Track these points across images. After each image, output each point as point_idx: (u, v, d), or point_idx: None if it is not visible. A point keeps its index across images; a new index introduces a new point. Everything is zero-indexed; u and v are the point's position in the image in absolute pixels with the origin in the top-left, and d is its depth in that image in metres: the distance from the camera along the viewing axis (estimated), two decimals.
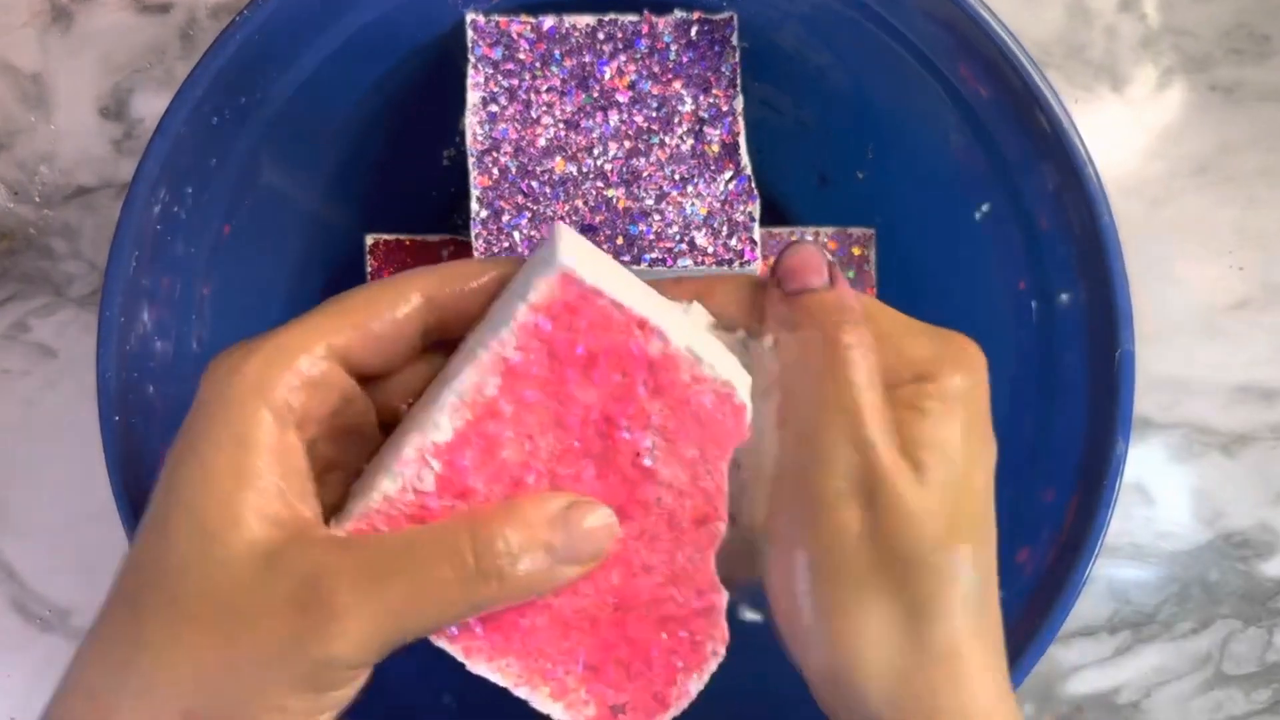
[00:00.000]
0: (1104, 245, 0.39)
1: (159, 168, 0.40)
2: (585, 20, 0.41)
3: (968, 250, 0.44)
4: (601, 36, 0.41)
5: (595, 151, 0.41)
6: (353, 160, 0.45)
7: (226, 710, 0.24)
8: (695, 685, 0.28)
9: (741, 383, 0.26)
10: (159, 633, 0.24)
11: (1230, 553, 0.50)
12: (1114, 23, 0.50)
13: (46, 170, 0.48)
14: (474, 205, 0.40)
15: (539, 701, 0.27)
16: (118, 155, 0.48)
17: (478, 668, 0.27)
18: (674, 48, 0.41)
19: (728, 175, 0.41)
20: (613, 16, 0.41)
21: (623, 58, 0.41)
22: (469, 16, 0.41)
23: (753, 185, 0.41)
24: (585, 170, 0.41)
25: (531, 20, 0.41)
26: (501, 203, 0.40)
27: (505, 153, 0.41)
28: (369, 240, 0.45)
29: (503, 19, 0.41)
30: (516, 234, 0.40)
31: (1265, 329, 0.50)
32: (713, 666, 0.28)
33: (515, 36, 0.41)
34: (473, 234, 0.40)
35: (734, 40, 0.41)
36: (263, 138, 0.42)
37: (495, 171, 0.40)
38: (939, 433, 0.26)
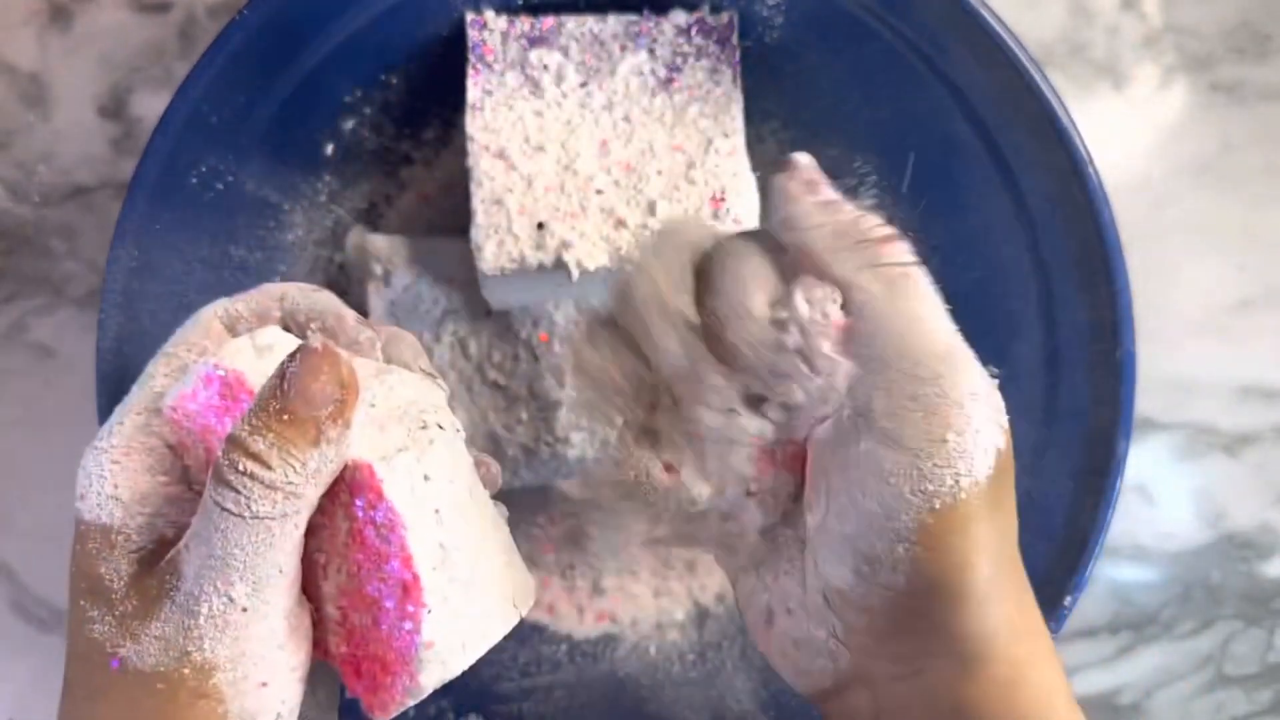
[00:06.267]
0: (1105, 244, 0.39)
1: (158, 167, 0.40)
2: (585, 20, 0.41)
3: (968, 249, 0.44)
4: (602, 36, 0.41)
5: (595, 150, 0.41)
6: (352, 160, 0.45)
7: None
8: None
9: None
10: None
11: (1232, 553, 0.50)
12: (1115, 22, 0.50)
13: (45, 170, 0.48)
14: (474, 205, 0.40)
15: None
16: (116, 155, 0.48)
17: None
18: (674, 47, 0.41)
19: (728, 173, 0.40)
20: (613, 16, 0.41)
21: (623, 58, 0.41)
22: (469, 16, 0.41)
23: (754, 184, 0.40)
24: (585, 169, 0.40)
25: (531, 20, 0.41)
26: (501, 202, 0.40)
27: (505, 152, 0.40)
28: (370, 240, 0.45)
29: (502, 19, 0.41)
30: (516, 234, 0.40)
31: (1268, 329, 0.50)
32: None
33: (515, 36, 0.41)
34: (473, 234, 0.40)
35: (734, 40, 0.41)
36: (262, 137, 0.42)
37: (495, 171, 0.40)
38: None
